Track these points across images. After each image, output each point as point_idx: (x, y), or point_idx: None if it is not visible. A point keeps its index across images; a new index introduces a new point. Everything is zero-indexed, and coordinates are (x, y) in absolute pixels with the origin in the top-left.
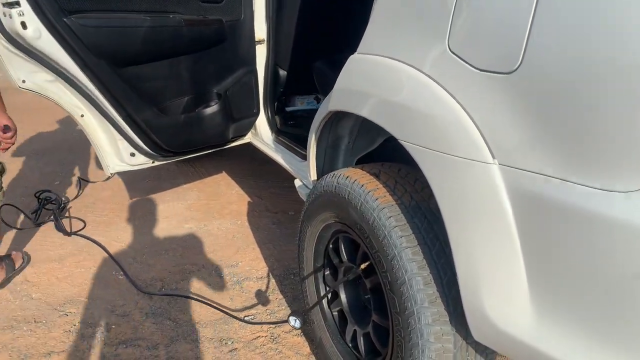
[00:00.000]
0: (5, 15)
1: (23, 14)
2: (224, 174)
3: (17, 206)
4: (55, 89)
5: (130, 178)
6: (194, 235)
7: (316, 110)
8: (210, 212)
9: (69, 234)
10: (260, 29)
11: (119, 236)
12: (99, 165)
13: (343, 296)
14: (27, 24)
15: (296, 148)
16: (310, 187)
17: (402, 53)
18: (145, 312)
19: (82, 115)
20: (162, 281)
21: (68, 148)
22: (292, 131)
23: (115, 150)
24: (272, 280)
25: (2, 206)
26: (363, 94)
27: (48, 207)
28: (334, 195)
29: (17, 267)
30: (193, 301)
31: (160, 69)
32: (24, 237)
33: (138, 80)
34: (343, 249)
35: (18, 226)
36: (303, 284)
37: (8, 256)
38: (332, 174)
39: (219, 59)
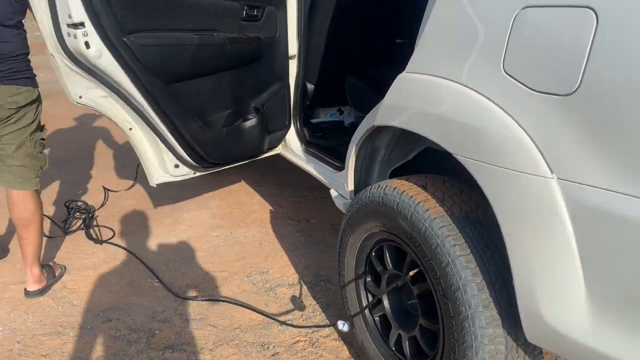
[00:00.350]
0: (69, 35)
1: (87, 35)
2: (243, 182)
3: (45, 215)
4: (107, 104)
5: (152, 187)
6: (222, 243)
7: (339, 122)
8: (234, 220)
9: (100, 242)
10: (292, 45)
11: (149, 244)
12: (119, 174)
13: (386, 302)
14: (90, 44)
15: (328, 159)
16: (347, 197)
17: (454, 73)
18: (186, 318)
19: (131, 129)
20: (197, 288)
21: (86, 158)
22: (321, 143)
23: (161, 162)
24: (304, 287)
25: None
26: (415, 111)
27: (76, 215)
28: (380, 205)
29: (56, 275)
30: (230, 307)
31: (205, 84)
32: (55, 245)
33: (185, 95)
34: (388, 257)
35: (48, 234)
36: (343, 290)
37: (48, 265)
38: (377, 184)
39: (257, 74)
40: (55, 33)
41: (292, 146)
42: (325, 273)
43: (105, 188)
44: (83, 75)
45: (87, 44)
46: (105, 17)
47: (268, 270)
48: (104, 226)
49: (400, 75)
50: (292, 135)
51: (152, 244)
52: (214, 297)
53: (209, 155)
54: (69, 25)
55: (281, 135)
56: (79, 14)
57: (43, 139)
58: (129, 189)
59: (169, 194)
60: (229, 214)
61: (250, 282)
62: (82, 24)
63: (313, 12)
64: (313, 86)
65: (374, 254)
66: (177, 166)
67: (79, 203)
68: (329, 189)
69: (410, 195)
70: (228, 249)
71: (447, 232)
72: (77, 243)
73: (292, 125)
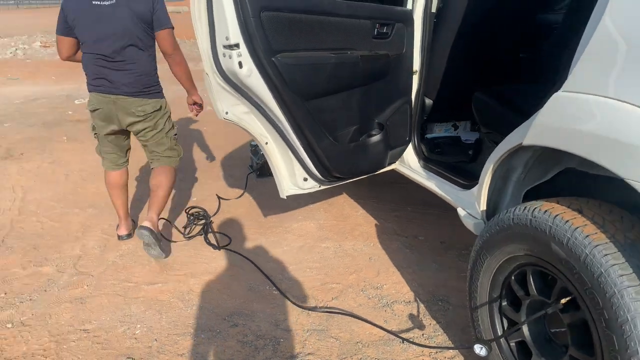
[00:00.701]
0: (224, 56)
1: (241, 55)
2: (345, 195)
3: (167, 219)
4: (248, 119)
5: (259, 196)
6: (333, 255)
7: (454, 137)
8: (342, 232)
9: (219, 248)
10: (415, 61)
11: (263, 252)
12: (228, 183)
13: (525, 328)
14: (243, 64)
15: (452, 177)
16: (478, 217)
17: (628, 95)
18: (307, 328)
19: (267, 143)
20: (314, 299)
21: (197, 167)
22: (440, 159)
23: (291, 175)
24: (421, 305)
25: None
26: (578, 133)
27: (196, 222)
28: (528, 228)
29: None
30: (348, 320)
31: (337, 101)
32: (177, 249)
33: (319, 112)
34: (532, 282)
35: (171, 238)
36: (474, 312)
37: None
38: (522, 206)
39: (383, 90)
40: (212, 54)
41: (409, 162)
42: (442, 293)
43: (218, 196)
44: (231, 93)
45: (240, 64)
46: (258, 39)
47: (382, 285)
48: (221, 233)
49: (556, 94)
50: (409, 151)
51: (267, 251)
52: (335, 310)
53: (336, 169)
54: (224, 47)
55: (401, 150)
56: (236, 36)
57: (175, 134)
58: (239, 197)
59: (276, 203)
60: (336, 226)
61: (365, 297)
62: (237, 45)
63: (437, 28)
64: (431, 101)
65: (513, 277)
66: (305, 179)
67: (199, 210)
68: (440, 205)
69: (566, 220)
70: (339, 261)
71: (612, 260)
72: (197, 248)
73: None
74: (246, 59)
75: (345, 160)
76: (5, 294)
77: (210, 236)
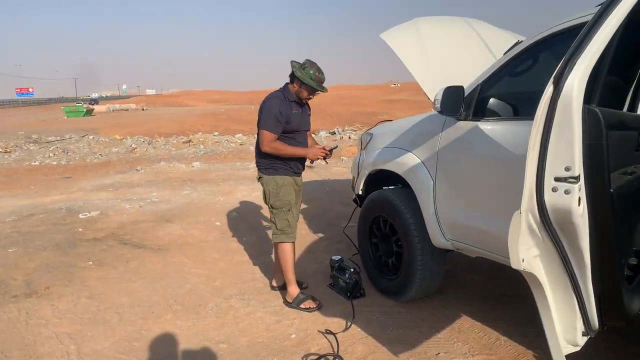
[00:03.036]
0: (555, 191)
1: (581, 189)
2: (465, 317)
3: None
4: (535, 265)
5: (368, 325)
6: None
7: None
8: None
9: None
10: None
11: None
12: (320, 310)
13: None
14: (581, 200)
15: None
16: None
17: None
18: None
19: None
20: None
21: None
22: None
23: (569, 330)
24: None
25: None
26: None
27: None
28: None
29: (302, 305)
30: None
31: (628, 231)
32: None
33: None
34: None
35: None
36: None
37: (305, 296)
38: None
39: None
40: (536, 188)
41: None
42: None
43: (329, 332)
44: (535, 235)
45: (579, 200)
46: (605, 167)
47: None
48: None
49: None
50: None
51: None
52: None
53: (620, 315)
54: (558, 179)
55: None
56: (579, 165)
57: (275, 209)
58: (346, 329)
59: (395, 335)
60: None
61: None
62: (577, 178)
63: None
64: None
65: None
66: (584, 334)
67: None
68: None
69: None
70: None
71: None
72: None
73: None
74: (583, 194)
75: (628, 303)
76: None
77: None
